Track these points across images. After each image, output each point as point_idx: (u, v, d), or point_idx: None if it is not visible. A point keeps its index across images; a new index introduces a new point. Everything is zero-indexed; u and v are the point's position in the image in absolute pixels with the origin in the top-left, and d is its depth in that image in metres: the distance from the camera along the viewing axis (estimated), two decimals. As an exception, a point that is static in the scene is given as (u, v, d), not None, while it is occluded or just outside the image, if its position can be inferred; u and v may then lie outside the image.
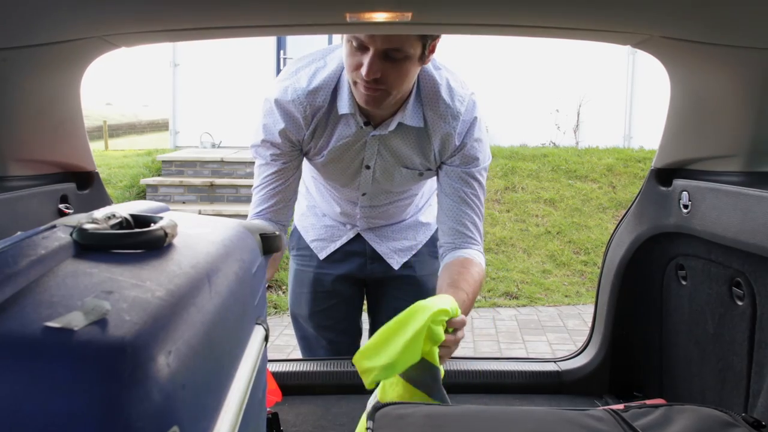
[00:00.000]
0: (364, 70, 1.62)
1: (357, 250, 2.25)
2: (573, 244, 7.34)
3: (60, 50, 1.41)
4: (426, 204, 2.29)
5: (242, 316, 0.99)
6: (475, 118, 1.86)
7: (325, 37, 10.57)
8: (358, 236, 2.24)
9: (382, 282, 2.30)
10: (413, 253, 2.27)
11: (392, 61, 1.63)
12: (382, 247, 2.24)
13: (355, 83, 1.70)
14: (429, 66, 1.79)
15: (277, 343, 5.10)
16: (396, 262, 2.25)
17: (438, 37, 1.68)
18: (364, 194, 2.06)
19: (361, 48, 1.62)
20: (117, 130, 24.33)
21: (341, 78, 1.81)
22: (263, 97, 1.88)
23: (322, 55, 1.86)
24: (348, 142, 1.87)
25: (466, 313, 1.69)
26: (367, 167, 1.94)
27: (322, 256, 2.25)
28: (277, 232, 1.26)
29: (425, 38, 1.64)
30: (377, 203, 2.11)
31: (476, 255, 1.88)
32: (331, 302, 2.28)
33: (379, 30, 1.54)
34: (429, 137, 1.85)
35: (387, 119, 1.82)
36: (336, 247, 2.25)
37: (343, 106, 1.80)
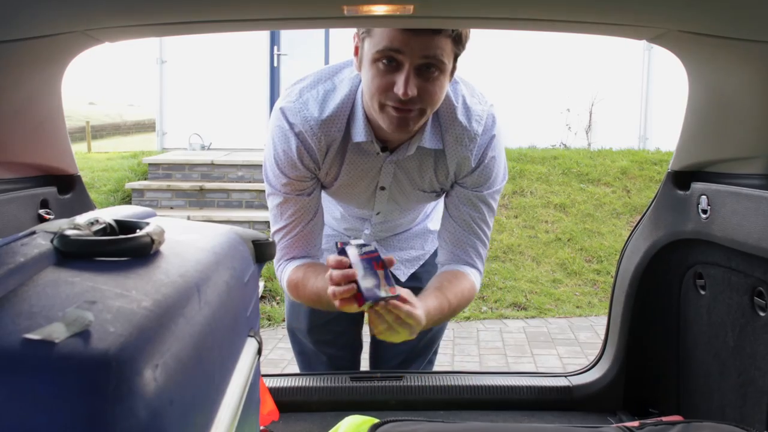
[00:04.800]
0: (399, 89, 1.57)
1: None
2: (585, 252, 7.34)
3: (39, 46, 1.41)
4: (434, 210, 2.29)
5: (234, 327, 0.99)
6: (493, 136, 1.83)
7: (322, 32, 10.58)
8: None
9: None
10: (421, 263, 2.26)
11: (427, 77, 1.59)
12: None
13: (382, 107, 1.64)
14: None
15: (271, 357, 5.09)
16: (402, 274, 2.24)
17: (465, 50, 1.66)
18: (378, 213, 2.05)
19: (394, 65, 1.58)
20: (100, 131, 24.35)
21: (355, 104, 1.76)
22: (273, 123, 1.82)
23: (327, 76, 1.81)
24: (363, 169, 1.85)
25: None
26: (382, 188, 1.92)
27: None
28: (271, 239, 1.26)
29: (458, 48, 1.62)
30: (391, 218, 2.11)
31: (472, 273, 1.91)
32: (331, 316, 2.25)
33: (378, 24, 1.55)
34: (446, 159, 1.83)
35: (404, 143, 1.80)
36: None
37: (359, 133, 1.76)
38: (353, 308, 1.60)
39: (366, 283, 1.57)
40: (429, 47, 1.56)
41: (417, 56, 1.56)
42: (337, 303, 1.61)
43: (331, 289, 1.59)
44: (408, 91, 1.56)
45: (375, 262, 1.60)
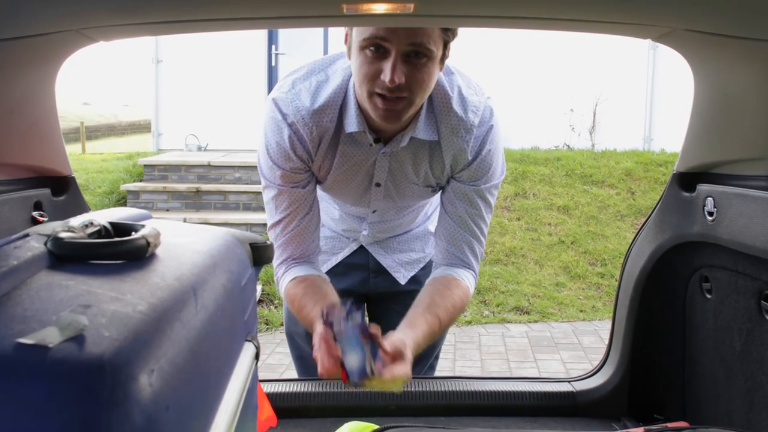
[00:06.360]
0: (386, 76, 1.57)
1: (359, 262, 2.24)
2: (589, 255, 7.34)
3: (33, 45, 1.41)
4: (435, 211, 2.28)
5: (231, 332, 0.99)
6: (491, 127, 1.82)
7: (321, 31, 10.58)
8: (360, 248, 2.23)
9: (386, 297, 2.27)
10: (421, 266, 2.26)
11: (415, 64, 1.59)
12: (387, 260, 2.22)
13: (370, 96, 1.64)
14: (440, 73, 1.74)
15: (269, 361, 5.09)
16: (402, 276, 2.23)
17: (456, 36, 1.66)
18: (374, 211, 2.05)
19: (381, 53, 1.58)
20: (95, 132, 24.39)
21: (347, 95, 1.76)
22: (266, 114, 1.82)
23: (321, 67, 1.82)
24: (356, 161, 1.84)
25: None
26: (377, 185, 1.91)
27: (323, 269, 2.22)
28: (269, 242, 1.26)
29: (447, 35, 1.62)
30: (387, 218, 2.10)
31: (466, 277, 1.90)
32: None
33: (378, 23, 1.55)
34: (441, 151, 1.82)
35: (398, 134, 1.79)
36: (338, 261, 2.24)
37: (351, 124, 1.76)
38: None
39: (351, 361, 1.55)
40: (416, 35, 1.56)
41: (404, 44, 1.56)
42: (321, 373, 1.59)
43: (319, 365, 1.58)
44: (395, 78, 1.57)
45: (362, 333, 1.56)
